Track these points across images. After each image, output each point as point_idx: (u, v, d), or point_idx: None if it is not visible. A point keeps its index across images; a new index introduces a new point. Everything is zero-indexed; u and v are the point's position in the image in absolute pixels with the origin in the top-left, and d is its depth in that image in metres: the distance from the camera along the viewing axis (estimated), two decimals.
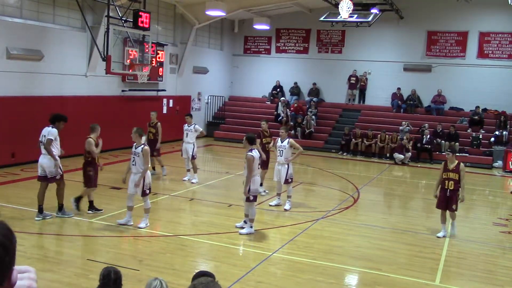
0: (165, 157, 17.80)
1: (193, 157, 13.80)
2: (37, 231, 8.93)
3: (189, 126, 14.08)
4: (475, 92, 22.54)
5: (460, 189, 9.75)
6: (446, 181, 9.77)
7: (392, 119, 23.01)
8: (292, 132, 21.68)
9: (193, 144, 13.89)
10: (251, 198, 9.40)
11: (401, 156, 19.85)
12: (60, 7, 16.35)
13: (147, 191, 9.45)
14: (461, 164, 9.77)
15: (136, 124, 14.05)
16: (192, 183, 13.73)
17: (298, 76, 25.73)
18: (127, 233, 9.25)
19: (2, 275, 1.28)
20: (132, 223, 9.53)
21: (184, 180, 13.95)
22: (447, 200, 9.79)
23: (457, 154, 20.02)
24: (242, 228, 9.54)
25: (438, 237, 9.78)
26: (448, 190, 9.75)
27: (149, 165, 9.56)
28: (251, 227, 9.45)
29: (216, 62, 25.76)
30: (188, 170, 14.04)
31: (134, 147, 9.45)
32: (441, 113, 23.01)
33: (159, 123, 14.49)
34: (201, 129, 14.48)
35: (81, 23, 16.73)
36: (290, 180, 11.44)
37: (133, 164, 9.42)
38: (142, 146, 9.37)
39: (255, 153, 9.47)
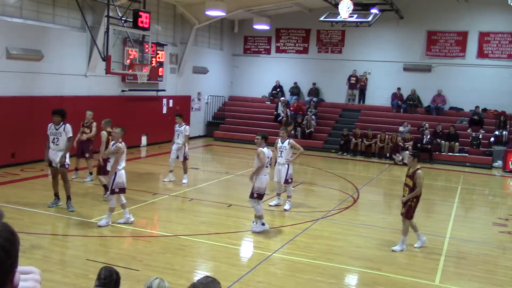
0: (165, 157, 17.79)
1: (185, 158, 13.60)
2: (37, 231, 8.93)
3: (180, 127, 13.69)
4: (475, 92, 22.53)
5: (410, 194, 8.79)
6: (403, 187, 9.06)
7: (392, 119, 23.01)
8: (292, 132, 21.68)
9: (184, 145, 13.58)
10: (255, 195, 9.43)
11: (398, 156, 19.90)
12: (60, 7, 16.34)
13: (116, 190, 9.31)
14: (419, 171, 8.80)
15: (136, 124, 14.08)
16: (183, 183, 13.51)
17: (298, 76, 25.73)
18: (127, 233, 9.25)
19: (4, 278, 1.28)
20: (132, 219, 9.53)
21: (183, 183, 13.61)
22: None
23: (457, 154, 20.29)
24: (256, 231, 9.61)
25: (415, 247, 9.02)
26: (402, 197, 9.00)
27: (121, 166, 9.46)
28: (263, 224, 9.50)
29: (216, 62, 25.76)
30: (171, 171, 13.78)
31: (111, 145, 9.44)
32: (441, 113, 23.01)
33: (94, 123, 12.98)
34: (188, 133, 13.72)
35: (81, 23, 16.73)
36: (290, 180, 11.46)
37: (108, 162, 9.46)
38: (117, 143, 9.36)
39: (266, 150, 9.48)
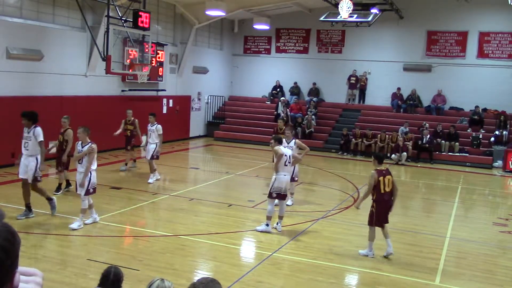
0: (165, 157, 17.82)
1: (152, 157, 13.38)
2: (37, 231, 8.93)
3: (152, 126, 13.66)
4: (475, 92, 22.54)
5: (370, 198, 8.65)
6: None
7: (392, 119, 23.02)
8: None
9: (156, 145, 13.47)
10: (274, 195, 9.49)
11: (394, 156, 19.92)
12: (60, 7, 16.34)
13: (91, 190, 9.23)
14: (372, 171, 8.76)
15: (144, 122, 14.01)
16: (149, 182, 13.31)
17: (298, 76, 25.73)
18: (127, 233, 9.25)
19: (3, 278, 1.27)
20: (98, 219, 9.51)
21: (149, 182, 13.36)
22: None
23: (458, 154, 20.26)
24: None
25: (360, 253, 8.61)
26: None
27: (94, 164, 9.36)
28: (267, 225, 9.48)
29: (216, 62, 25.76)
30: (155, 170, 13.59)
31: (80, 146, 9.22)
32: (441, 113, 23.01)
33: (136, 120, 14.93)
34: (161, 132, 13.64)
35: (81, 23, 16.73)
36: (296, 178, 11.67)
37: (79, 163, 9.27)
38: (89, 144, 9.19)
39: (283, 148, 9.68)
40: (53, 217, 9.82)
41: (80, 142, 9.28)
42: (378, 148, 20.89)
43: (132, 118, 14.93)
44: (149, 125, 13.75)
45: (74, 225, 9.10)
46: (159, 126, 13.61)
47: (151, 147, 13.52)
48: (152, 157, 13.44)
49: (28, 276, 1.38)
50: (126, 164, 15.08)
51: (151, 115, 13.94)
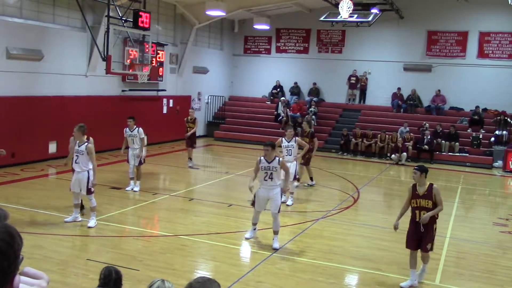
0: (165, 157, 17.83)
1: (140, 163, 12.45)
2: (37, 231, 8.93)
3: (132, 131, 12.34)
4: (475, 92, 22.53)
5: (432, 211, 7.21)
6: (417, 212, 7.25)
7: (392, 119, 23.01)
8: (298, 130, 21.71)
9: (142, 149, 12.40)
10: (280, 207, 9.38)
11: (394, 156, 19.91)
12: (60, 7, 16.35)
13: (92, 189, 9.27)
14: (434, 186, 7.28)
15: (136, 124, 14.03)
16: (135, 191, 12.34)
17: (298, 76, 25.73)
18: (127, 233, 9.25)
19: (2, 280, 1.27)
20: (80, 219, 9.52)
21: (127, 190, 12.38)
22: (420, 237, 7.27)
23: (458, 154, 20.26)
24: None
25: (401, 287, 7.31)
26: (421, 224, 7.21)
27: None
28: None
29: (216, 62, 25.76)
30: (132, 179, 12.55)
31: (77, 145, 9.18)
32: (441, 113, 23.01)
33: (197, 119, 16.28)
34: (143, 136, 12.40)
35: (81, 23, 16.73)
36: (297, 176, 11.70)
37: (76, 163, 9.24)
38: (86, 143, 9.15)
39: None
40: (53, 217, 9.81)
41: (77, 141, 9.29)
42: (378, 148, 20.90)
43: (194, 117, 16.02)
44: (127, 129, 12.37)
45: (91, 223, 9.25)
46: (141, 130, 12.33)
47: (137, 153, 12.37)
48: (140, 163, 12.52)
49: (35, 279, 1.37)
50: (190, 159, 16.26)
51: (130, 119, 12.46)
